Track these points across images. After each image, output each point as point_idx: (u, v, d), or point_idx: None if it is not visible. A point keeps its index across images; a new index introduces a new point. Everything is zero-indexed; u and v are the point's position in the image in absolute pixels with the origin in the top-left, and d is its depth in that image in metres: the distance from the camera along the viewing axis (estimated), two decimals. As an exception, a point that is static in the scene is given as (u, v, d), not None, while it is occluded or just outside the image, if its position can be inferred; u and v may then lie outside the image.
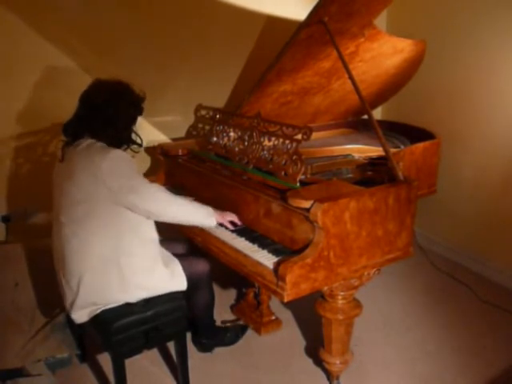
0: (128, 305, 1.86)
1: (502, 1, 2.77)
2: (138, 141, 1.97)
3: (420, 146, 2.66)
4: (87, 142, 1.85)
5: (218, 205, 2.21)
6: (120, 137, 1.91)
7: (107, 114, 1.85)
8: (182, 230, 2.25)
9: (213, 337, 2.34)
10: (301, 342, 2.44)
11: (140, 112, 1.97)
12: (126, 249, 1.83)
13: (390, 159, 2.00)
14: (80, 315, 1.85)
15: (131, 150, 1.97)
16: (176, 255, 2.06)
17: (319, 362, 2.15)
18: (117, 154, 1.80)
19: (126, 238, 1.83)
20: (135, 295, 1.86)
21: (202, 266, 2.11)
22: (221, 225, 2.08)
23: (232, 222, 2.07)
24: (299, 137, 1.95)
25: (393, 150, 2.42)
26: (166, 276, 1.92)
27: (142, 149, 2.02)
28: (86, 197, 1.77)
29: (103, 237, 1.80)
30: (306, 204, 1.72)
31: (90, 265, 1.79)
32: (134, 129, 1.97)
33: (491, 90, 2.92)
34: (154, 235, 1.93)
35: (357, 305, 1.98)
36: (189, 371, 2.03)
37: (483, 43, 2.92)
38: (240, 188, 2.11)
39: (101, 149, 1.81)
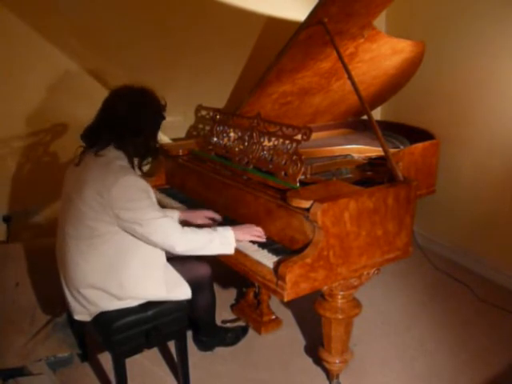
0: (129, 304, 1.87)
1: (501, 1, 2.78)
2: (159, 151, 1.96)
3: (419, 146, 2.67)
4: (109, 155, 1.79)
5: (218, 205, 2.23)
6: (147, 146, 1.86)
7: (133, 126, 1.80)
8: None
9: (213, 336, 2.35)
10: (300, 342, 2.45)
11: (163, 119, 1.94)
12: (127, 269, 1.80)
13: (389, 159, 2.01)
14: (82, 317, 1.87)
15: (152, 158, 1.95)
16: (177, 258, 2.06)
17: (319, 361, 2.15)
18: (129, 182, 1.72)
19: (127, 257, 1.80)
20: (136, 303, 1.87)
21: (203, 270, 2.10)
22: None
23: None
24: (299, 137, 1.96)
25: (392, 151, 2.43)
26: (168, 293, 1.89)
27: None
28: (91, 213, 1.73)
29: (106, 254, 1.78)
30: (306, 204, 1.73)
31: (90, 281, 1.79)
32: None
33: (490, 91, 2.93)
34: (156, 255, 1.87)
35: (356, 304, 1.99)
36: (189, 370, 2.04)
37: (482, 44, 2.92)
38: (240, 188, 2.12)
39: (116, 171, 1.73)
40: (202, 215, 2.17)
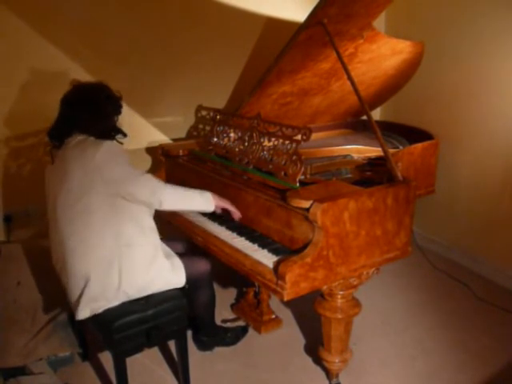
0: (129, 303, 1.88)
1: (500, 2, 2.79)
2: (123, 131, 2.02)
3: (418, 146, 2.68)
4: (77, 138, 1.88)
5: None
6: (106, 128, 1.95)
7: (91, 109, 1.90)
8: (182, 230, 2.27)
9: (213, 335, 2.36)
10: (300, 341, 2.46)
11: (119, 109, 2.02)
12: (127, 239, 1.84)
13: (388, 159, 2.02)
14: (83, 313, 1.86)
15: (116, 140, 2.00)
16: (176, 254, 2.08)
17: (319, 361, 2.16)
18: (110, 146, 1.84)
19: (126, 228, 1.84)
20: (135, 286, 1.87)
21: (202, 266, 2.12)
22: (223, 211, 2.09)
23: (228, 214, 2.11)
24: (299, 137, 1.97)
25: (391, 151, 2.44)
26: (166, 267, 1.93)
27: (126, 138, 2.05)
28: (81, 192, 1.78)
29: (103, 231, 1.80)
30: (306, 204, 1.74)
31: (92, 263, 1.80)
32: (118, 125, 2.02)
33: (489, 91, 2.94)
34: (152, 224, 1.95)
35: (356, 304, 2.00)
36: (189, 369, 2.05)
37: (481, 44, 2.94)
38: (240, 188, 2.13)
39: (93, 142, 1.85)
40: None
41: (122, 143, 2.02)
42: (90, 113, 1.90)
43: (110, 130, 1.96)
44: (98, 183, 1.78)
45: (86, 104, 1.91)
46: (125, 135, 2.02)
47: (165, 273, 1.93)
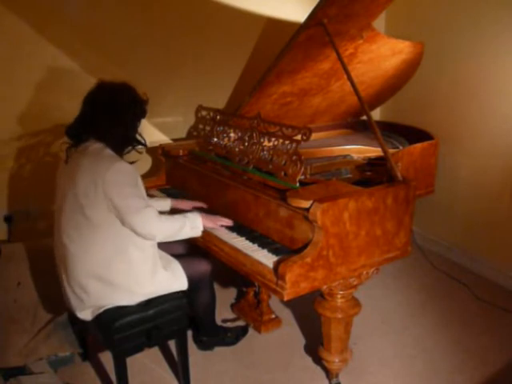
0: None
1: (499, 2, 2.79)
2: (142, 141, 1.98)
3: (418, 146, 2.68)
4: (95, 146, 1.83)
5: (218, 204, 2.24)
6: (126, 137, 1.91)
7: (112, 114, 1.85)
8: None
9: (213, 336, 2.36)
10: (300, 341, 2.47)
11: (144, 114, 1.97)
12: (125, 254, 1.83)
13: (388, 159, 2.03)
14: (84, 315, 1.88)
15: (136, 150, 1.97)
16: (176, 255, 2.09)
17: (319, 361, 2.16)
18: (121, 168, 1.78)
19: (125, 243, 1.83)
20: (137, 299, 1.88)
21: (203, 267, 2.12)
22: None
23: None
24: (299, 137, 1.97)
25: (391, 151, 2.44)
26: (166, 278, 1.93)
27: (144, 149, 2.03)
28: (85, 202, 1.76)
29: (103, 243, 1.80)
30: (306, 204, 1.75)
31: (91, 272, 1.80)
32: (139, 130, 1.98)
33: (489, 91, 2.95)
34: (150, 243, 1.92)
35: (356, 304, 2.00)
36: (189, 369, 2.05)
37: (481, 44, 2.94)
38: (240, 188, 2.13)
39: (108, 158, 1.80)
40: (190, 205, 2.28)
41: (141, 153, 2.00)
42: (111, 116, 1.85)
43: (127, 140, 1.92)
44: (101, 198, 1.75)
45: (107, 106, 1.84)
46: (144, 145, 1.98)
47: (165, 283, 1.93)
